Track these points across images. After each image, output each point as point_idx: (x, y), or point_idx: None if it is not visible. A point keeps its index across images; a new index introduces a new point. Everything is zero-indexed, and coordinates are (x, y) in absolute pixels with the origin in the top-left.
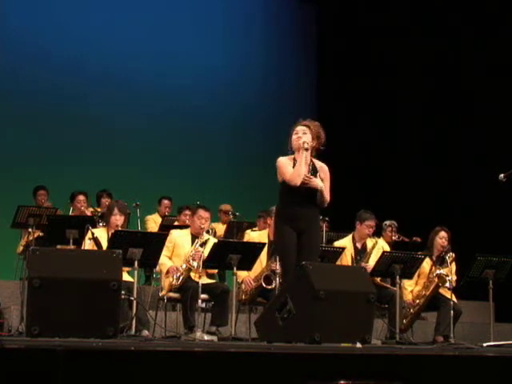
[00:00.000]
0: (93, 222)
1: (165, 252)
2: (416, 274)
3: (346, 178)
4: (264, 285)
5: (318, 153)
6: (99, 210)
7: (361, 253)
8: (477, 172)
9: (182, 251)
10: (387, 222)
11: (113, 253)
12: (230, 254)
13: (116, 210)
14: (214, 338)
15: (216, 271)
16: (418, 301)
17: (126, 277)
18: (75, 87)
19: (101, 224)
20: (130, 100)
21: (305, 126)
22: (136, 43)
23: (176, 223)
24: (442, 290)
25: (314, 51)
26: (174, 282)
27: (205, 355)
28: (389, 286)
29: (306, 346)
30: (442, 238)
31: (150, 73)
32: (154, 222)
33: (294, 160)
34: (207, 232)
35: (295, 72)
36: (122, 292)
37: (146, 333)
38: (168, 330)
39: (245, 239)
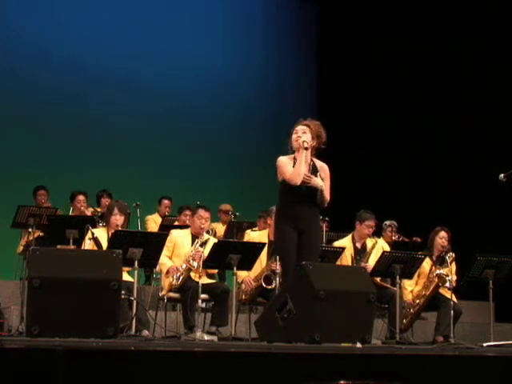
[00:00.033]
0: (93, 221)
1: (165, 252)
2: (416, 274)
3: (346, 177)
4: (264, 285)
5: (319, 152)
6: (99, 210)
7: (360, 253)
8: (477, 172)
9: (182, 251)
10: (387, 222)
11: (113, 253)
12: (229, 254)
13: (116, 210)
14: (214, 337)
15: (216, 271)
16: (418, 301)
17: (126, 277)
18: (75, 87)
19: (101, 224)
20: (130, 100)
21: (305, 125)
22: (136, 43)
23: (176, 223)
24: (442, 290)
25: (314, 51)
26: (174, 282)
27: (205, 355)
28: (389, 286)
29: (306, 346)
30: (442, 237)
31: (150, 73)
32: (154, 222)
33: (294, 159)
34: (207, 232)
35: (295, 72)
36: (122, 292)
37: (146, 333)
38: (168, 330)
39: (245, 239)
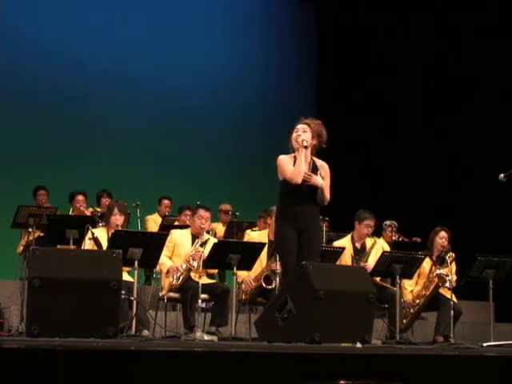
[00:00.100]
0: (93, 221)
1: (165, 252)
2: (416, 274)
3: (346, 177)
4: (264, 285)
5: (320, 151)
6: (99, 210)
7: (360, 253)
8: (477, 172)
9: (182, 251)
10: (387, 222)
11: (113, 253)
12: (230, 254)
13: (116, 210)
14: (214, 337)
15: (216, 271)
16: (418, 301)
17: (126, 277)
18: (75, 87)
19: (101, 224)
20: (130, 100)
21: (305, 124)
22: (136, 43)
23: (176, 223)
24: (442, 290)
25: (314, 51)
26: (174, 282)
27: (205, 355)
28: (389, 285)
29: (306, 346)
30: (442, 237)
31: (150, 73)
32: (154, 222)
33: (295, 158)
34: (207, 232)
35: (295, 72)
36: (122, 292)
37: (146, 333)
38: (168, 330)
39: (245, 239)
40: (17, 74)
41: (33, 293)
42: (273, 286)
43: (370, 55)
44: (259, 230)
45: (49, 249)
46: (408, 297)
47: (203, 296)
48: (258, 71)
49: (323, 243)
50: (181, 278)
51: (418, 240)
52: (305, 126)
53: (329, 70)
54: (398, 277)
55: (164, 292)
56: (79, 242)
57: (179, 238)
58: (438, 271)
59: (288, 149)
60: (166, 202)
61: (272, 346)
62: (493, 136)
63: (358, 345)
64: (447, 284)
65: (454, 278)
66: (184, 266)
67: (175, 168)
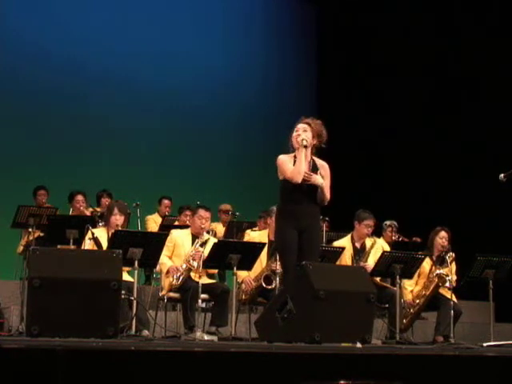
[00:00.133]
0: (93, 221)
1: (165, 252)
2: (416, 274)
3: (346, 177)
4: (264, 285)
5: (320, 151)
6: (99, 209)
7: (360, 252)
8: (477, 172)
9: (182, 251)
10: (387, 222)
11: (113, 253)
12: (230, 253)
13: (116, 210)
14: (214, 337)
15: (216, 271)
16: (417, 301)
17: (126, 277)
18: (75, 87)
19: (100, 224)
20: (130, 100)
21: (306, 123)
22: (136, 43)
23: (176, 223)
24: (442, 290)
25: (314, 51)
26: (174, 282)
27: (205, 355)
28: (389, 285)
29: (306, 346)
30: (442, 237)
31: (150, 73)
32: (154, 222)
33: (295, 158)
34: (207, 232)
35: (295, 72)
36: (122, 292)
37: (146, 333)
38: (168, 330)
39: (245, 239)
40: (17, 74)
41: (33, 293)
42: (273, 286)
43: (370, 55)
44: (259, 230)
45: (49, 249)
46: (408, 297)
47: (203, 296)
48: (258, 71)
49: (323, 243)
50: (181, 277)
51: (418, 240)
52: (305, 126)
53: (329, 70)
54: (398, 277)
55: (164, 292)
56: (79, 242)
57: (179, 238)
58: (438, 271)
59: (288, 148)
60: (166, 201)
61: (272, 345)
62: (493, 136)
63: (358, 345)
64: (447, 284)
65: (454, 278)
66: (184, 265)
67: (175, 168)
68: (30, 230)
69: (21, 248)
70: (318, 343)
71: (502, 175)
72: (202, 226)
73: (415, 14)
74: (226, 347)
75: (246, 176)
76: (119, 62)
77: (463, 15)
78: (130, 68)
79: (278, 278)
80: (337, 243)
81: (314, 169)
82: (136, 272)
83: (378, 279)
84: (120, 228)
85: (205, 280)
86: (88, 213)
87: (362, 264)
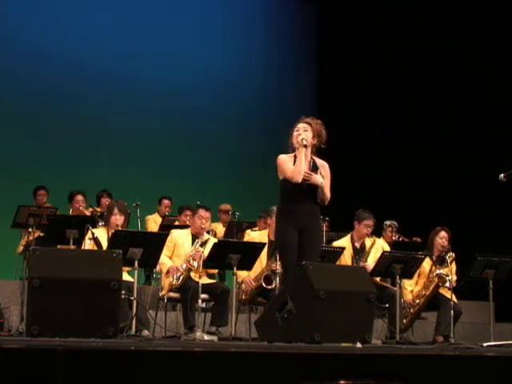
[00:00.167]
0: (93, 221)
1: (165, 252)
2: (416, 274)
3: (346, 177)
4: (264, 285)
5: (320, 151)
6: (98, 209)
7: (360, 252)
8: (477, 172)
9: (182, 251)
10: (387, 222)
11: (113, 253)
12: (230, 253)
13: (116, 210)
14: (214, 337)
15: (216, 271)
16: (418, 301)
17: (126, 277)
18: (75, 87)
19: (100, 224)
20: (130, 100)
21: (306, 123)
22: (136, 43)
23: (176, 223)
24: (442, 290)
25: (314, 51)
26: (174, 282)
27: (205, 355)
28: (389, 285)
29: (306, 346)
30: (442, 237)
31: (150, 73)
32: (154, 222)
33: (295, 157)
34: (208, 232)
35: (295, 72)
36: (122, 292)
37: (146, 333)
38: (168, 330)
39: (245, 239)
40: (17, 74)
41: (33, 293)
42: (273, 286)
43: (369, 55)
44: (259, 230)
45: (49, 249)
46: (408, 297)
47: (203, 296)
48: (258, 71)
49: (323, 243)
50: (181, 277)
51: (418, 240)
52: (306, 126)
53: (329, 70)
54: (398, 277)
55: (164, 292)
56: (79, 242)
57: (179, 238)
58: (438, 271)
59: (288, 148)
60: (166, 201)
61: (272, 345)
62: (493, 136)
63: (358, 345)
64: (447, 284)
65: (454, 277)
66: (184, 265)
67: (175, 168)
68: (30, 230)
69: (21, 248)
70: (318, 343)
71: (501, 175)
72: (202, 226)
73: (415, 14)
74: (226, 347)
75: (246, 176)
76: (119, 62)
77: (463, 15)
78: (130, 68)
79: (277, 278)
80: (336, 243)
81: (314, 168)
82: (136, 272)
83: (378, 279)
84: (120, 228)
85: (205, 280)
86: (88, 213)
87: (361, 264)
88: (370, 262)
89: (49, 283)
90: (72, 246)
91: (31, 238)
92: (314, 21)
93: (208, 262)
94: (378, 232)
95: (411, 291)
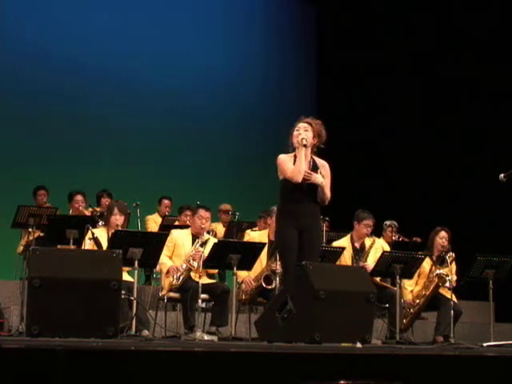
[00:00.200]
0: (93, 221)
1: (165, 252)
2: (416, 274)
3: (346, 177)
4: (264, 285)
5: (320, 151)
6: (98, 209)
7: (359, 252)
8: (477, 172)
9: (182, 251)
10: (387, 222)
11: (113, 253)
12: (230, 253)
13: (116, 210)
14: (214, 337)
15: (216, 271)
16: (418, 301)
17: (126, 277)
18: (75, 87)
19: (100, 223)
20: (130, 100)
21: (307, 123)
22: (136, 43)
23: (177, 223)
24: (442, 290)
25: (314, 51)
26: (174, 282)
27: (205, 355)
28: (389, 285)
29: (306, 346)
30: (442, 237)
31: (150, 73)
32: (154, 222)
33: (295, 157)
34: (208, 232)
35: (295, 72)
36: (122, 292)
37: (146, 333)
38: (168, 330)
39: (245, 239)
40: (17, 74)
41: (33, 293)
42: (273, 286)
43: (369, 55)
44: (259, 230)
45: (49, 249)
46: (408, 297)
47: (203, 296)
48: (258, 71)
49: (323, 243)
50: (181, 277)
51: (418, 240)
52: (306, 125)
53: (329, 70)
54: (398, 277)
55: (164, 292)
56: (79, 242)
57: (179, 238)
58: (438, 271)
59: (288, 148)
60: (166, 201)
61: (272, 345)
62: (493, 136)
63: (358, 345)
64: (447, 284)
65: (454, 277)
66: (184, 265)
67: (175, 168)
68: (30, 230)
69: (21, 248)
70: (318, 343)
71: (502, 175)
72: (203, 226)
73: (415, 13)
74: (226, 347)
75: (246, 176)
76: (119, 62)
77: (463, 15)
78: (130, 68)
79: (277, 278)
80: (336, 243)
81: (314, 168)
82: (136, 272)
83: (378, 279)
84: (120, 228)
85: (205, 280)
86: (87, 213)
87: (361, 264)
88: (370, 262)
89: (49, 283)
90: (72, 246)
91: (31, 238)
92: (314, 21)
93: (208, 262)
94: (378, 232)
95: (411, 291)
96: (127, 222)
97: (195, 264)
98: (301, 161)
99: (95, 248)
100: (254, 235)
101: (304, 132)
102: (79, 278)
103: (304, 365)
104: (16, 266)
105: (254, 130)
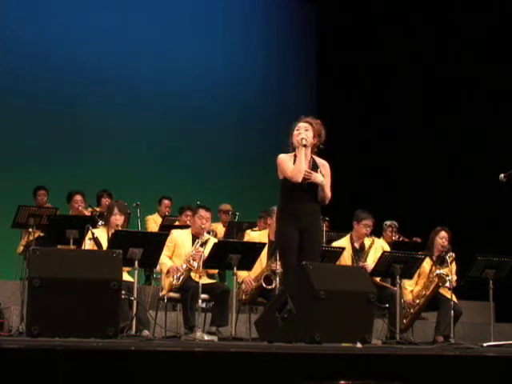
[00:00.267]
0: (93, 221)
1: (165, 252)
2: (416, 274)
3: (346, 177)
4: (264, 285)
5: (320, 151)
6: (98, 209)
7: (359, 252)
8: (477, 172)
9: (182, 251)
10: (387, 222)
11: (113, 253)
12: (230, 253)
13: (116, 210)
14: (214, 337)
15: (216, 271)
16: (418, 301)
17: (126, 277)
18: (75, 87)
19: (100, 223)
20: (130, 100)
21: (307, 122)
22: (136, 43)
23: (177, 223)
24: (442, 290)
25: (314, 51)
26: (174, 282)
27: (205, 355)
28: (389, 285)
29: (306, 346)
30: (442, 237)
31: (150, 73)
32: (154, 222)
33: (295, 157)
34: (208, 232)
35: (295, 72)
36: (122, 292)
37: (146, 333)
38: (168, 330)
39: (245, 239)
40: (17, 74)
41: (33, 293)
42: (273, 286)
43: (369, 55)
44: (259, 230)
45: (49, 249)
46: (408, 297)
47: (203, 296)
48: (258, 71)
49: (323, 243)
50: (181, 278)
51: (418, 240)
52: (307, 125)
53: (329, 70)
54: (398, 277)
55: (164, 292)
56: (79, 242)
57: (180, 238)
58: (438, 271)
59: (288, 147)
60: (166, 202)
61: (272, 346)
62: (493, 136)
63: (358, 345)
64: (447, 284)
65: (454, 277)
66: (184, 266)
67: (175, 168)
68: (30, 230)
69: (21, 248)
70: (318, 343)
71: (502, 175)
72: (203, 226)
73: (415, 14)
74: (226, 347)
75: (246, 176)
76: (119, 62)
77: (463, 15)
78: (130, 68)
79: (277, 278)
80: (336, 243)
81: (314, 167)
82: (136, 272)
83: (378, 279)
84: (120, 228)
85: (205, 280)
86: (87, 213)
87: (361, 264)
88: (370, 262)
89: (49, 283)
90: (72, 246)
91: (31, 238)
92: (314, 21)
93: (208, 262)
94: (377, 232)
95: (411, 291)
96: (127, 222)
97: (195, 264)
98: (301, 160)
99: (95, 248)
100: (254, 235)
101: (304, 132)
102: (79, 278)
103: (304, 365)
104: (16, 266)
105: (254, 130)
